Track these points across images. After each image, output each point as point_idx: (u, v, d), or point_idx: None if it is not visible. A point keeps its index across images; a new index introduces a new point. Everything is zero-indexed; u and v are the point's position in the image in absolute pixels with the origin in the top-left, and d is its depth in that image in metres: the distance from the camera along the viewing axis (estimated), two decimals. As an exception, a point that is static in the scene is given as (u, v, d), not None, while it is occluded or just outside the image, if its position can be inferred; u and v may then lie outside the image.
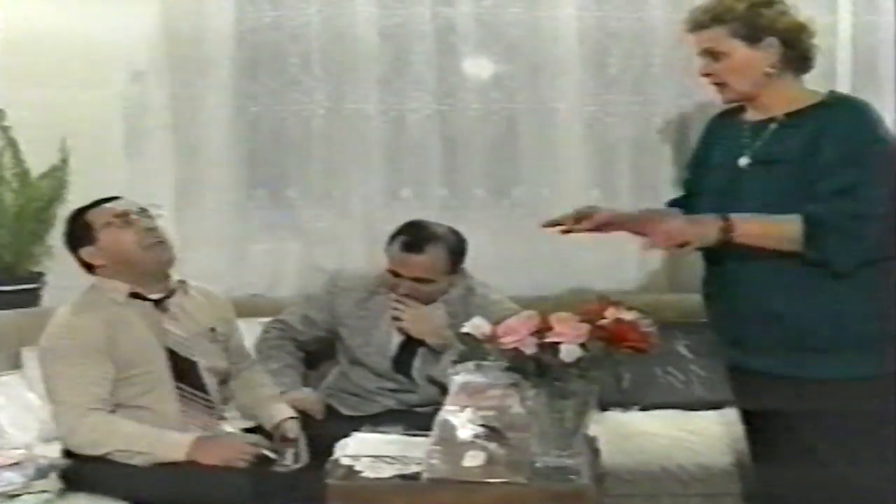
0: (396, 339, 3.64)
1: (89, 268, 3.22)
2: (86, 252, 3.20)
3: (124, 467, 2.93)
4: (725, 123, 2.98)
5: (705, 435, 3.55)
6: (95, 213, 3.21)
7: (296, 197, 4.35)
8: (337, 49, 4.25)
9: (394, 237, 3.64)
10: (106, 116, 4.20)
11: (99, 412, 3.01)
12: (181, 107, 4.29)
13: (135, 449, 2.95)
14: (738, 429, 3.03)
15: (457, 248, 3.65)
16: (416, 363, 3.61)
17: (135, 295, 3.18)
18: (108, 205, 3.23)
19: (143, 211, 3.22)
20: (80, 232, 3.22)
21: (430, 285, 3.60)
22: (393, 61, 4.28)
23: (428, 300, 3.63)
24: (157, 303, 3.20)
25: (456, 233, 3.67)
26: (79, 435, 3.00)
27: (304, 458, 3.14)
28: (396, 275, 3.61)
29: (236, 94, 4.29)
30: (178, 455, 2.94)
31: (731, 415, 3.29)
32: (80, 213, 3.25)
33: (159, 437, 3.01)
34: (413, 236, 3.60)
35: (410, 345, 3.62)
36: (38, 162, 4.09)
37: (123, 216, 3.18)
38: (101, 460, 2.95)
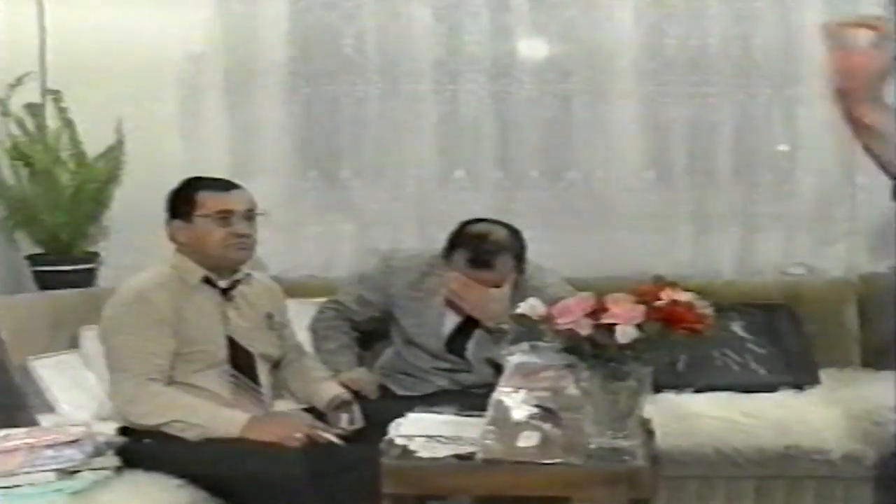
0: (452, 320, 3.61)
1: (173, 239, 3.23)
2: (176, 225, 3.20)
3: (180, 444, 2.94)
4: None
5: (761, 417, 3.51)
6: (205, 196, 3.18)
7: (350, 178, 4.37)
8: (391, 30, 4.26)
9: (454, 247, 3.49)
10: (161, 98, 4.23)
11: (158, 382, 3.04)
12: (235, 88, 4.32)
13: (192, 421, 2.96)
14: None
15: (521, 251, 3.54)
16: (471, 345, 3.58)
17: (205, 280, 3.20)
18: (221, 194, 3.21)
19: (249, 213, 3.22)
20: (182, 205, 3.21)
21: (499, 290, 3.50)
22: (447, 42, 4.28)
23: None
24: (224, 291, 3.23)
25: (515, 231, 3.54)
26: (138, 404, 3.02)
27: (359, 421, 3.16)
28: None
29: (290, 75, 4.31)
30: (233, 431, 2.95)
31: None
32: (195, 187, 3.22)
33: (216, 412, 3.03)
34: (478, 252, 3.44)
35: (467, 326, 3.59)
36: (94, 143, 4.12)
37: (225, 214, 3.17)
38: (157, 437, 2.97)
